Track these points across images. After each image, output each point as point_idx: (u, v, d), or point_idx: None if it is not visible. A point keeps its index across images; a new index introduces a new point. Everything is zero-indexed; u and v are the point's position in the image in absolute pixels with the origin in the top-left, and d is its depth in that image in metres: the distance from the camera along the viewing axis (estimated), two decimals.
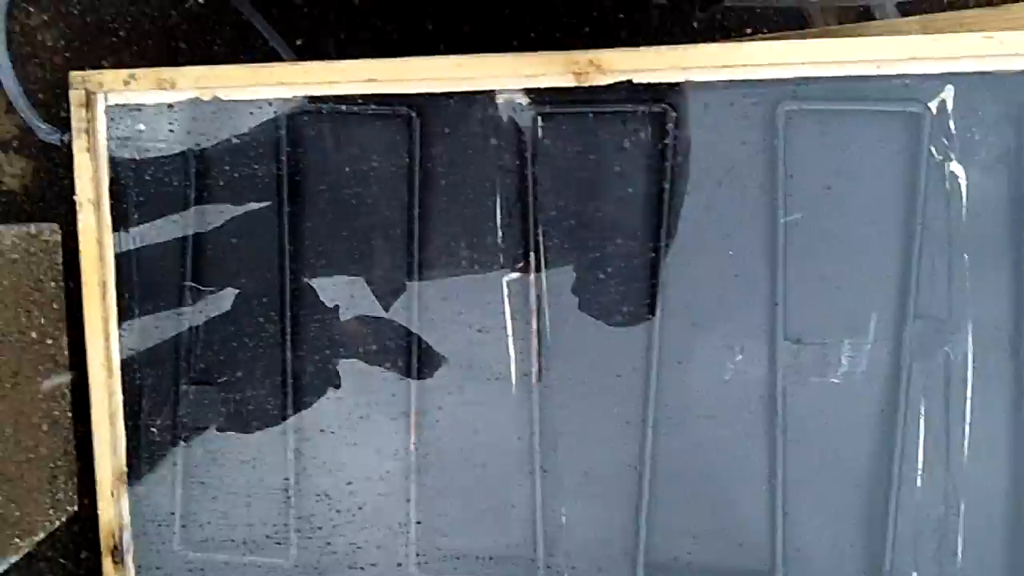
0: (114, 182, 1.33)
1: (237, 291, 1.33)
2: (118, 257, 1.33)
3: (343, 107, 1.28)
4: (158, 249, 1.33)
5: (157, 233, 1.33)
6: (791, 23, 1.73)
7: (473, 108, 1.26)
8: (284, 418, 1.35)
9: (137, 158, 1.32)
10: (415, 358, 1.32)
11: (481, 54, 1.26)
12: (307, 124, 1.29)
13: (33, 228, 1.34)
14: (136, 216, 1.32)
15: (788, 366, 1.25)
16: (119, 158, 1.32)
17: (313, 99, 1.28)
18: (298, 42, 1.61)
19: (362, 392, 1.34)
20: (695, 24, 1.21)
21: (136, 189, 1.32)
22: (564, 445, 1.31)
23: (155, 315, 1.35)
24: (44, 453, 1.36)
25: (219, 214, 1.32)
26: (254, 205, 1.31)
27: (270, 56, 1.59)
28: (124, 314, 1.35)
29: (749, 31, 1.68)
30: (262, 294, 1.33)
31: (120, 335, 1.35)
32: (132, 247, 1.33)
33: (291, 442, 1.35)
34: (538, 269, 1.28)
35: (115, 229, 1.33)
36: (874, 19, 1.73)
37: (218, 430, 1.36)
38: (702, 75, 1.21)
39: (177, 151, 1.31)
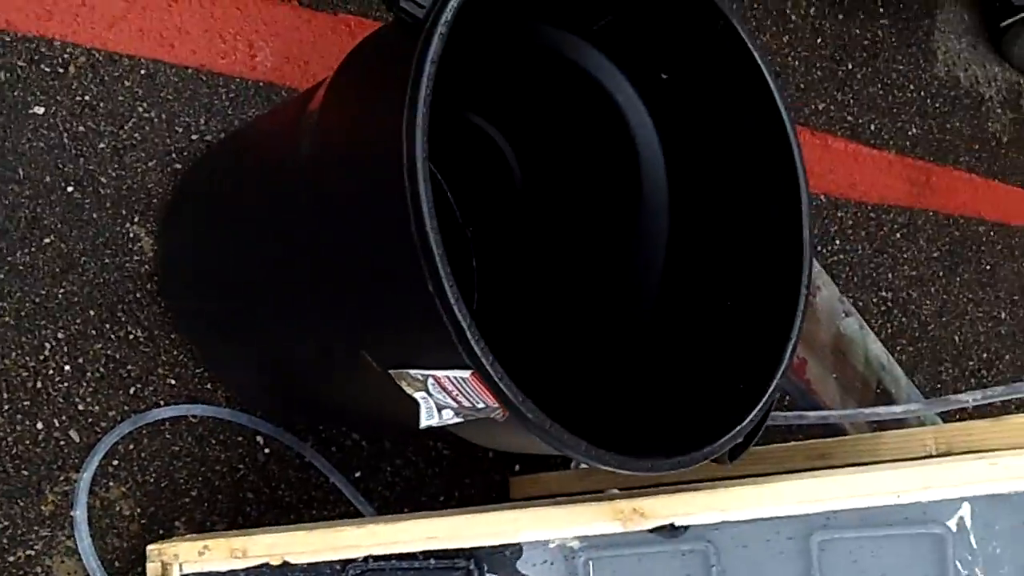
0: None
1: None
2: None
3: (405, 564, 1.37)
4: None
5: None
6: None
7: (528, 556, 1.35)
8: None
9: None
10: None
11: (536, 507, 1.37)
12: None
13: None
14: None
15: None
16: None
17: (376, 558, 1.38)
18: (356, 474, 1.73)
19: None
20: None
21: None
22: None
23: None
24: None
25: None
26: None
27: (333, 493, 1.71)
28: None
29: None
30: None
31: None
32: None
33: None
34: None
35: None
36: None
37: None
38: (738, 514, 1.31)
39: None
